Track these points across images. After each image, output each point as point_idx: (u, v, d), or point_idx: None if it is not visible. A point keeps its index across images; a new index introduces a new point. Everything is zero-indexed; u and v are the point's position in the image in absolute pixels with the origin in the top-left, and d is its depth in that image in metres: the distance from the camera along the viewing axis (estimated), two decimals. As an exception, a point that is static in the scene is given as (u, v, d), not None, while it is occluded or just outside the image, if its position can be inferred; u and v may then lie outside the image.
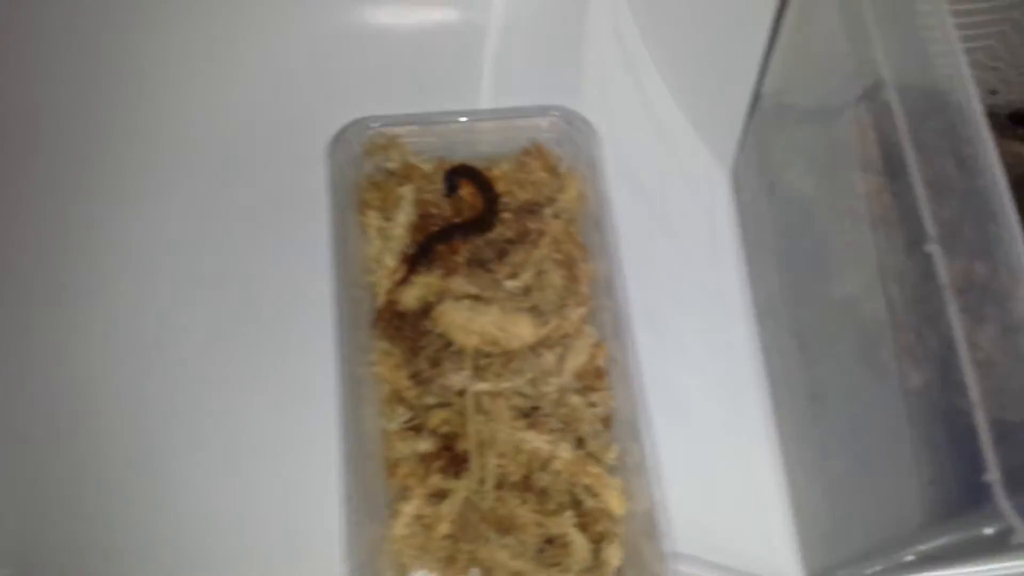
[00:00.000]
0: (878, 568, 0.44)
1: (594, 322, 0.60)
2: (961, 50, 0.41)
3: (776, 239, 0.61)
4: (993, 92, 0.60)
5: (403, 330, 0.60)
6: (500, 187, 0.64)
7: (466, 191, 0.64)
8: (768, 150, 0.62)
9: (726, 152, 0.68)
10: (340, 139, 0.63)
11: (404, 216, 0.62)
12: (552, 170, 0.65)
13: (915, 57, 0.43)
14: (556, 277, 0.61)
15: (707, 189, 0.69)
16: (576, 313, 0.59)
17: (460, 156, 0.65)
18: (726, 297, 0.65)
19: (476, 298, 0.59)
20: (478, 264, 0.62)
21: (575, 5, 0.71)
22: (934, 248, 0.40)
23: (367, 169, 0.64)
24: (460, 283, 0.60)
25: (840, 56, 0.49)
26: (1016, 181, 0.56)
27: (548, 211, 0.64)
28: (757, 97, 0.63)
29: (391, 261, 0.61)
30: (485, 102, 0.70)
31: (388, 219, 0.63)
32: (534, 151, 0.65)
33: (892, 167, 0.44)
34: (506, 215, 0.64)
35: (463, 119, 0.65)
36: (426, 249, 0.61)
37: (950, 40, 0.41)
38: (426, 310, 0.60)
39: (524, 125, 0.65)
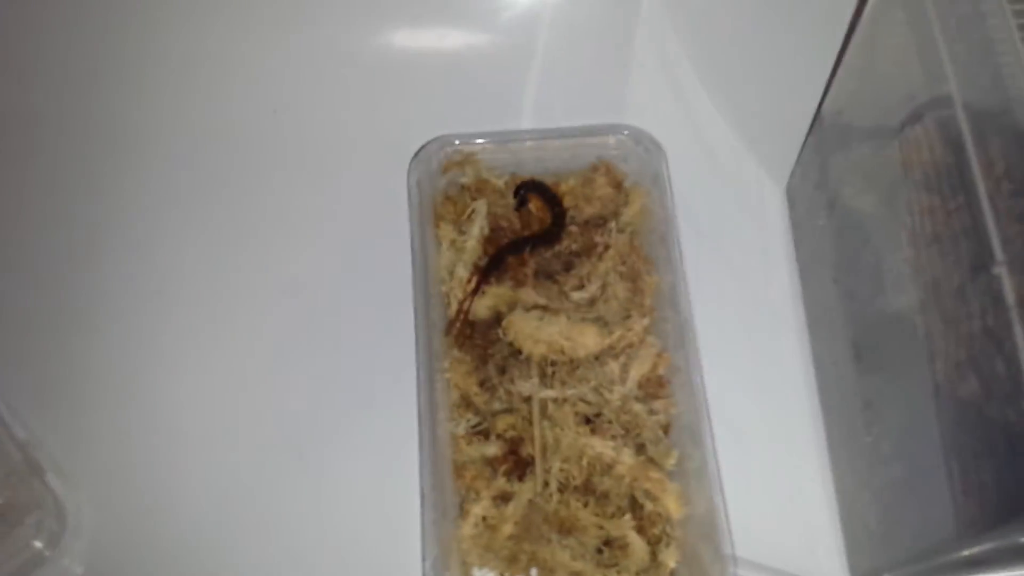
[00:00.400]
0: (923, 568, 0.45)
1: (657, 332, 0.61)
2: None
3: (833, 254, 0.61)
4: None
5: (474, 338, 0.61)
6: (567, 201, 0.65)
7: (535, 205, 0.66)
8: (827, 167, 0.62)
9: (781, 169, 0.69)
10: (420, 156, 0.65)
11: (477, 229, 0.64)
12: (618, 185, 0.66)
13: (984, 75, 0.43)
14: (620, 289, 0.62)
15: (760, 205, 0.69)
16: (639, 324, 0.60)
17: (530, 172, 0.66)
18: (778, 308, 0.66)
19: (544, 308, 0.60)
20: (546, 276, 0.63)
21: (626, 26, 0.72)
22: (1001, 270, 0.40)
23: (443, 184, 0.66)
24: (529, 294, 0.61)
25: (906, 74, 0.49)
26: None
27: (613, 225, 0.64)
28: (818, 116, 0.63)
29: (464, 272, 0.62)
30: (549, 120, 0.71)
31: (462, 232, 0.64)
32: (601, 167, 0.66)
33: (955, 186, 0.45)
34: (573, 228, 0.65)
35: (534, 137, 0.66)
36: (497, 261, 0.62)
37: (1020, 57, 0.41)
38: (496, 319, 0.61)
39: (592, 143, 0.66)
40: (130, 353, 0.65)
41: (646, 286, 0.62)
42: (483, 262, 0.63)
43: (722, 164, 0.71)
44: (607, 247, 0.63)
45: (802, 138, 0.66)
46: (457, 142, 0.65)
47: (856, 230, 0.57)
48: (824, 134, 0.63)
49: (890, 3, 0.50)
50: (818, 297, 0.64)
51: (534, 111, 0.72)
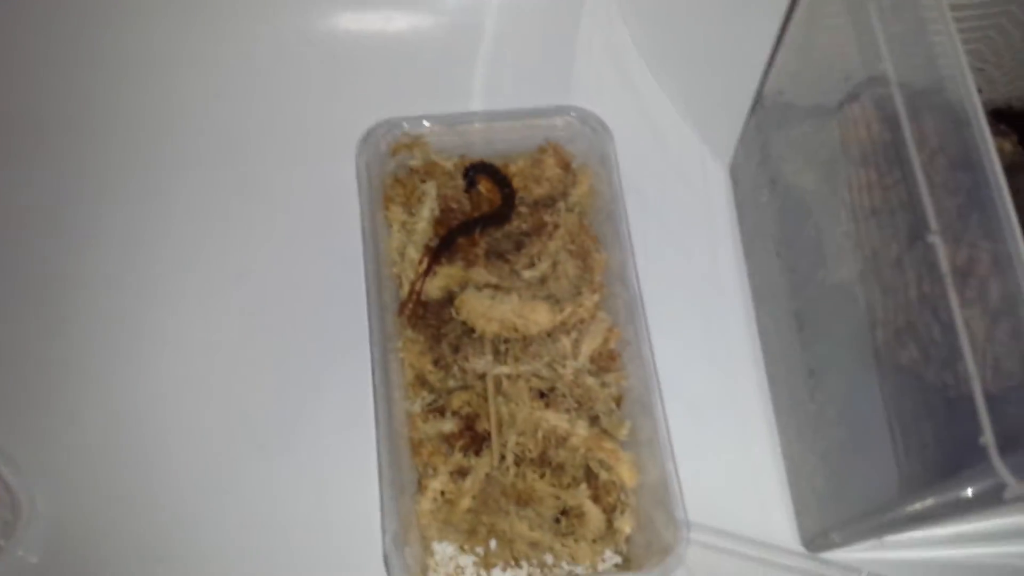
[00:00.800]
0: (869, 525, 0.46)
1: (607, 308, 0.62)
2: (962, 48, 0.42)
3: (776, 229, 0.62)
4: (979, 91, 0.62)
5: (427, 318, 0.61)
6: (516, 183, 0.65)
7: (484, 187, 0.66)
8: (769, 146, 0.63)
9: (725, 148, 0.70)
10: (367, 139, 0.64)
11: (427, 211, 0.63)
12: (566, 166, 0.66)
13: (918, 54, 0.44)
14: (571, 267, 0.62)
15: (705, 182, 0.70)
16: (590, 300, 0.60)
17: (479, 154, 0.66)
18: (724, 283, 0.67)
19: (496, 287, 0.61)
20: (497, 255, 0.64)
21: (572, 9, 0.72)
22: (936, 239, 0.41)
23: (392, 167, 0.66)
24: (481, 273, 0.62)
25: (843, 54, 0.51)
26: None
27: (562, 205, 0.65)
28: (759, 96, 0.65)
29: (415, 253, 0.62)
30: (497, 103, 0.71)
31: (412, 214, 0.64)
32: (549, 148, 0.66)
33: (891, 161, 0.46)
34: (522, 209, 0.65)
35: (482, 120, 0.66)
36: (448, 242, 0.62)
37: (952, 39, 0.42)
38: (449, 299, 0.61)
39: (540, 124, 0.66)
40: (80, 342, 0.63)
41: (595, 263, 0.63)
42: (434, 243, 0.63)
43: (667, 143, 0.71)
44: (556, 226, 0.64)
45: (744, 118, 0.67)
46: (405, 124, 0.65)
47: (797, 206, 0.59)
48: (765, 113, 0.64)
49: None
50: (762, 271, 0.65)
51: (482, 93, 0.71)
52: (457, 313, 0.60)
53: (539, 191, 0.66)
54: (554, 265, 0.63)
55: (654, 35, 0.73)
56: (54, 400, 0.62)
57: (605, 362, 0.60)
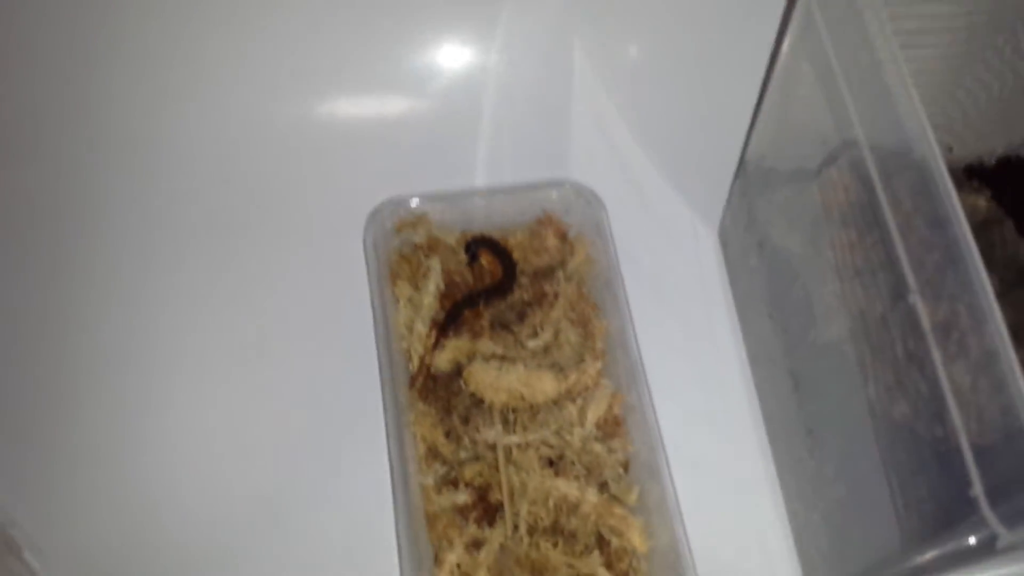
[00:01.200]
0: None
1: (610, 374, 0.62)
2: (923, 113, 0.43)
3: (766, 290, 0.64)
4: (949, 150, 0.64)
5: (437, 391, 0.62)
6: (516, 254, 0.67)
7: (486, 259, 0.67)
8: (754, 210, 0.65)
9: (713, 213, 0.71)
10: (373, 217, 0.66)
11: (432, 286, 0.65)
12: (563, 237, 0.68)
13: (885, 118, 0.45)
14: (572, 335, 0.63)
15: (695, 247, 0.72)
16: (593, 367, 0.61)
17: (479, 228, 0.68)
18: (720, 344, 0.68)
19: (502, 358, 0.62)
20: (501, 326, 0.65)
21: (562, 88, 0.74)
22: (916, 299, 0.42)
23: (397, 243, 0.67)
24: (487, 344, 0.63)
25: (818, 121, 0.52)
26: (976, 229, 0.58)
27: (561, 275, 0.66)
28: (742, 163, 0.66)
29: (423, 327, 0.63)
30: (494, 178, 0.72)
31: (418, 289, 0.65)
32: (546, 220, 0.68)
33: (869, 222, 0.47)
34: (523, 280, 0.66)
35: (481, 195, 0.69)
36: (454, 315, 0.63)
37: (914, 104, 0.44)
38: (457, 371, 0.62)
39: (537, 197, 0.68)
40: (100, 427, 0.63)
41: (596, 331, 0.64)
42: (440, 317, 0.64)
43: (657, 211, 0.73)
44: (557, 296, 0.65)
45: (729, 183, 0.69)
46: (412, 202, 0.67)
47: (785, 267, 0.60)
48: (749, 179, 0.66)
49: (798, 57, 0.54)
50: (756, 332, 0.67)
51: (480, 169, 0.73)
52: (466, 385, 0.61)
53: (538, 262, 0.67)
54: (556, 334, 0.64)
55: (638, 109, 0.74)
56: (75, 486, 0.62)
57: (611, 428, 0.61)
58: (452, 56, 0.74)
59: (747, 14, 0.60)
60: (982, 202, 0.61)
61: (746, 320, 0.68)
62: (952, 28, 0.56)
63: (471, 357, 0.62)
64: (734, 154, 0.67)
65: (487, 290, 0.66)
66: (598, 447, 0.59)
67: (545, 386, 0.60)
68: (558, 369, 0.62)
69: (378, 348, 0.62)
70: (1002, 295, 0.58)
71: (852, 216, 0.49)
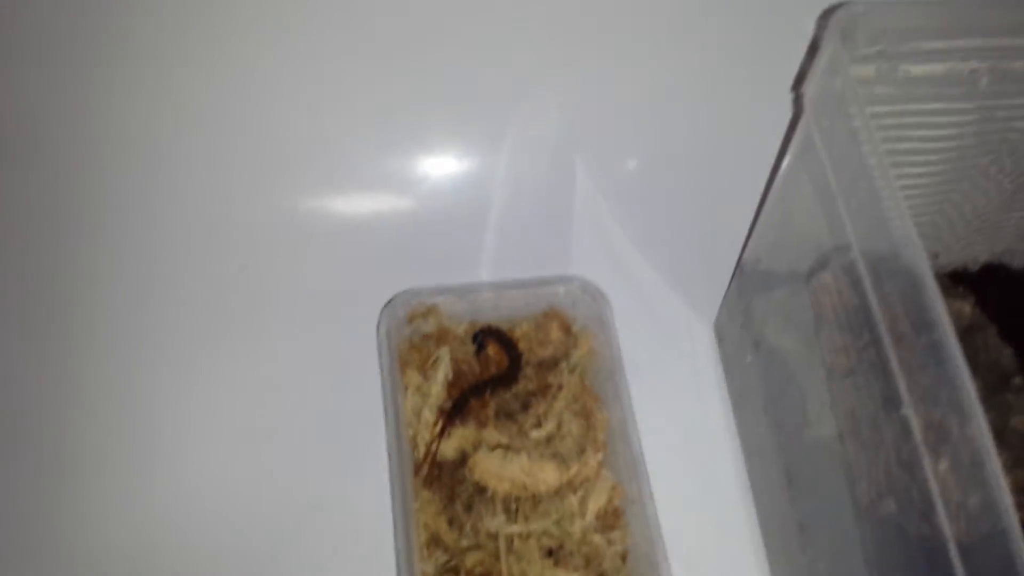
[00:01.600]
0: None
1: (610, 466, 0.63)
2: (913, 226, 0.45)
3: (761, 388, 0.65)
4: (936, 256, 0.67)
5: (442, 478, 0.63)
6: (522, 345, 0.68)
7: (493, 349, 0.68)
8: (750, 310, 0.67)
9: (710, 310, 0.74)
10: (388, 308, 0.68)
11: (441, 375, 0.66)
12: (567, 330, 0.70)
13: (875, 223, 0.47)
14: (575, 426, 0.64)
15: (692, 343, 0.73)
16: (594, 459, 0.62)
17: (487, 318, 0.69)
18: (715, 439, 0.69)
19: (506, 447, 0.63)
20: (506, 416, 0.66)
21: (566, 191, 0.77)
22: (909, 411, 0.43)
23: (408, 333, 0.69)
24: (492, 434, 0.64)
25: (813, 226, 0.54)
26: (961, 334, 0.60)
27: (564, 366, 0.68)
28: (739, 264, 0.69)
29: (430, 415, 0.64)
30: (502, 273, 0.75)
31: (427, 377, 0.66)
32: (552, 313, 0.70)
33: (862, 325, 0.49)
34: (528, 370, 0.68)
35: (492, 289, 0.70)
36: (461, 404, 0.64)
37: (904, 219, 0.45)
38: (462, 459, 0.63)
39: (543, 292, 0.70)
40: (94, 528, 0.63)
41: (598, 422, 0.65)
42: (447, 405, 0.65)
43: (656, 308, 0.75)
44: (560, 387, 0.66)
45: (727, 283, 0.71)
46: (427, 294, 0.69)
47: (780, 366, 0.62)
48: (745, 280, 0.68)
49: (797, 172, 0.57)
50: (751, 427, 0.68)
51: (489, 265, 0.76)
52: (471, 473, 0.62)
53: (543, 353, 0.69)
54: (559, 425, 0.65)
55: (639, 214, 0.77)
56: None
57: (611, 519, 0.61)
58: (464, 160, 0.77)
59: (746, 132, 0.64)
60: (967, 308, 0.63)
61: (741, 415, 0.69)
62: (942, 149, 0.59)
63: (476, 446, 0.63)
64: (732, 256, 0.69)
65: (493, 379, 0.67)
66: (598, 538, 0.60)
67: (547, 476, 0.61)
68: (560, 460, 0.62)
69: (387, 434, 0.63)
70: (986, 399, 0.59)
71: (845, 318, 0.51)
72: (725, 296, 0.72)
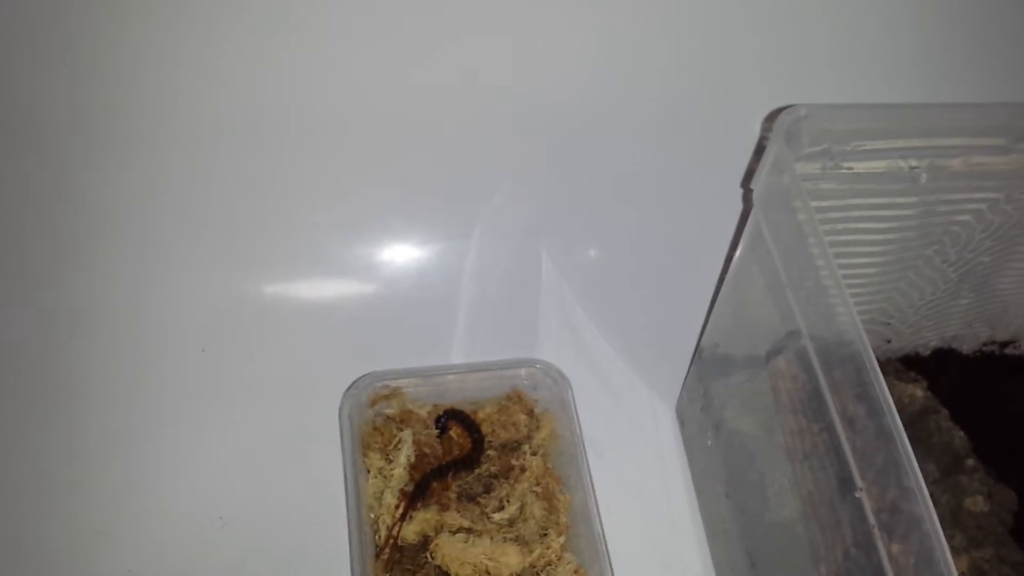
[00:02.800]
0: None
1: (572, 548, 0.62)
2: (857, 316, 0.46)
3: (722, 470, 0.65)
4: (888, 341, 0.69)
5: (403, 562, 0.62)
6: (485, 428, 0.68)
7: (456, 432, 0.68)
8: (710, 393, 0.68)
9: (671, 393, 0.75)
10: (351, 391, 0.68)
11: (403, 457, 0.65)
12: (530, 412, 0.70)
13: (824, 319, 0.49)
14: (537, 508, 0.64)
15: (655, 426, 0.74)
16: (557, 542, 0.62)
17: (451, 401, 0.69)
18: (678, 521, 0.69)
19: (468, 530, 0.62)
20: (468, 498, 0.65)
21: (532, 279, 0.79)
22: (862, 495, 0.44)
23: (370, 415, 0.68)
24: (454, 517, 0.63)
25: (766, 314, 0.56)
26: (914, 417, 0.62)
27: (527, 448, 0.67)
28: (698, 349, 0.71)
29: (391, 499, 0.63)
30: (468, 356, 0.76)
31: (389, 460, 0.66)
32: (514, 396, 0.70)
33: (816, 410, 0.50)
34: (491, 452, 0.68)
35: (456, 372, 0.71)
36: (423, 487, 0.64)
37: (849, 309, 0.47)
38: (424, 543, 0.62)
39: (507, 375, 0.70)
40: None
41: (560, 504, 0.64)
42: (410, 488, 0.64)
43: (620, 391, 0.76)
44: (523, 469, 0.66)
45: (687, 367, 0.73)
46: (391, 378, 0.68)
47: (740, 448, 0.62)
48: (704, 364, 0.69)
49: (749, 263, 0.58)
50: (713, 509, 0.68)
51: (456, 348, 0.76)
52: (432, 557, 0.61)
53: (506, 435, 0.69)
54: (522, 507, 0.64)
55: (601, 300, 0.79)
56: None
57: (573, 603, 0.61)
58: (434, 247, 0.79)
59: (702, 226, 0.67)
60: (919, 392, 0.64)
61: (703, 497, 0.69)
62: (888, 241, 0.62)
63: (438, 529, 0.62)
64: (691, 340, 0.71)
65: (456, 462, 0.66)
66: (561, 622, 0.59)
67: (510, 560, 0.60)
68: (523, 542, 0.62)
69: (348, 518, 0.62)
70: (939, 480, 0.61)
71: (800, 403, 0.52)
72: (685, 380, 0.73)
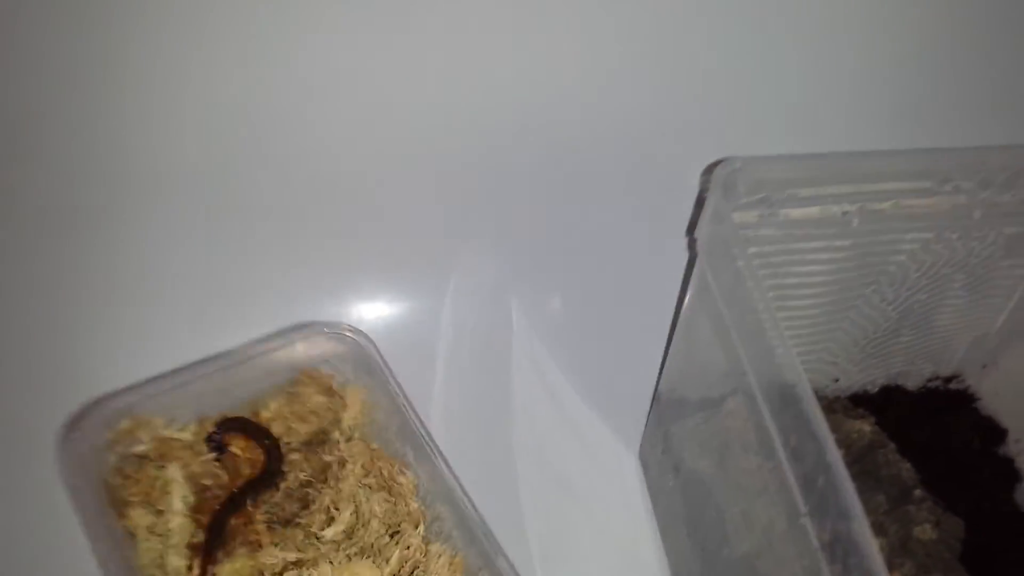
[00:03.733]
0: None
1: (438, 535, 0.81)
2: (794, 352, 0.78)
3: (684, 511, 0.96)
4: (836, 380, 1.13)
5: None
6: (276, 429, 0.85)
7: (238, 446, 0.86)
8: (669, 436, 1.01)
9: (634, 437, 1.19)
10: (71, 434, 0.82)
11: (177, 502, 0.81)
12: (328, 391, 0.87)
13: (764, 357, 0.80)
14: (376, 504, 0.81)
15: (619, 471, 1.18)
16: (415, 537, 0.80)
17: (219, 409, 0.88)
18: (645, 564, 1.05)
19: (297, 564, 0.78)
20: (283, 523, 0.81)
21: (503, 335, 1.29)
22: (806, 520, 0.74)
23: (113, 461, 0.82)
24: (272, 554, 0.79)
25: (716, 358, 0.88)
26: (862, 451, 1.05)
27: (338, 435, 0.85)
28: (656, 393, 1.11)
29: (179, 560, 0.78)
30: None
31: (159, 512, 0.80)
32: (303, 378, 0.88)
33: (766, 448, 0.80)
34: (293, 457, 0.84)
35: (209, 367, 0.90)
36: (217, 529, 0.79)
37: (785, 344, 0.78)
38: (249, 599, 0.66)
39: (281, 355, 0.90)
40: None
41: (404, 488, 0.83)
42: (200, 538, 0.80)
43: (584, 437, 1.21)
44: (342, 463, 0.83)
45: (647, 411, 1.14)
46: (115, 401, 0.84)
47: (699, 488, 0.93)
48: (662, 408, 1.06)
49: (697, 310, 0.91)
50: (677, 550, 1.00)
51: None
52: (267, 613, 0.65)
53: (306, 429, 0.87)
54: (356, 510, 0.81)
55: (565, 348, 1.30)
56: None
57: (464, 597, 0.67)
58: (409, 301, 1.25)
59: (654, 274, 1.17)
60: (867, 427, 1.07)
61: (668, 539, 1.02)
62: (828, 283, 1.00)
63: (259, 576, 0.66)
64: (649, 385, 1.13)
65: (251, 484, 0.83)
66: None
67: (366, 579, 0.65)
68: (374, 553, 0.78)
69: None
70: (888, 511, 1.04)
71: (752, 441, 0.83)
72: (646, 423, 1.13)
